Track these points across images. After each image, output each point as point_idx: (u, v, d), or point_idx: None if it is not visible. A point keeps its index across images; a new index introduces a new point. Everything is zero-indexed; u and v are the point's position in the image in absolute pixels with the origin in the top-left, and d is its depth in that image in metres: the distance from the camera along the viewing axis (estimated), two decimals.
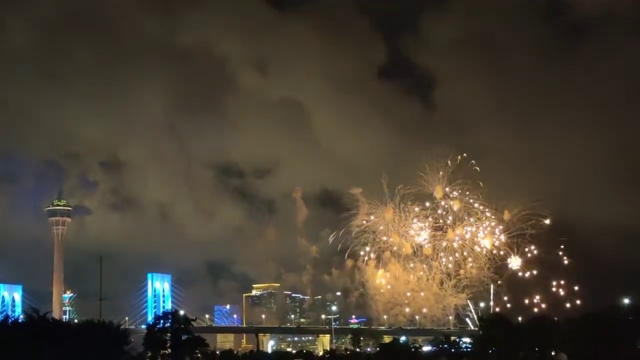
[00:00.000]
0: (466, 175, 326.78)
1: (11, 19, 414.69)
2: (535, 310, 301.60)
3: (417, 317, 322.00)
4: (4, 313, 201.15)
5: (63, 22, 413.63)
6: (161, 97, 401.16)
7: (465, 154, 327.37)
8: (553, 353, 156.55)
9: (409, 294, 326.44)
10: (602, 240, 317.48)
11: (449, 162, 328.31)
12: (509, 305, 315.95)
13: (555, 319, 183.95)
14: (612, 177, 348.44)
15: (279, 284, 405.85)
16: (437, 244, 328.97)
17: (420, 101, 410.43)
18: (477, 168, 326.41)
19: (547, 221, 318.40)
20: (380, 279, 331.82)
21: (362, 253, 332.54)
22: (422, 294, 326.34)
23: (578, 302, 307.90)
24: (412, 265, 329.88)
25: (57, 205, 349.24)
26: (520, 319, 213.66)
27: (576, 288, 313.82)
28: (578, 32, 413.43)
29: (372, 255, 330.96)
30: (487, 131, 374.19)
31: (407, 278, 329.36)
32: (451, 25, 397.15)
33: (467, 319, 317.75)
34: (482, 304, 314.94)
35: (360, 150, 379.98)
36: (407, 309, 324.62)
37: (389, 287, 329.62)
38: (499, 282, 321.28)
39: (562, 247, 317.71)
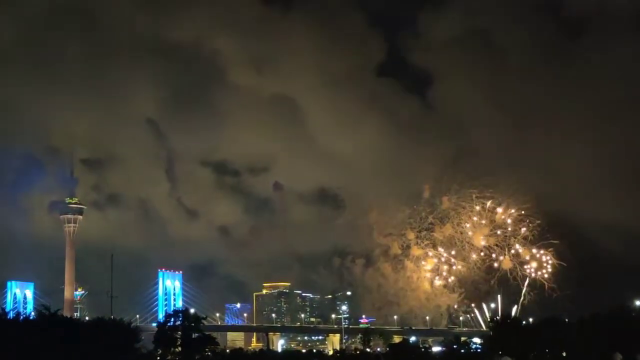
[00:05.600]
0: (461, 173, 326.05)
1: None
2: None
3: (427, 318, 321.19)
4: (16, 310, 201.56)
5: (51, 16, 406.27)
6: (154, 94, 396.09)
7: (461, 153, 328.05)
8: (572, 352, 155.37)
9: (405, 292, 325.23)
10: (602, 240, 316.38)
11: (443, 160, 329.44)
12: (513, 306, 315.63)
13: (566, 319, 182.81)
14: (613, 177, 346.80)
15: (289, 283, 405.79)
16: (426, 243, 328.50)
17: (418, 99, 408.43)
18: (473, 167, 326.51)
19: (539, 222, 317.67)
20: (369, 278, 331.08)
21: (350, 252, 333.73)
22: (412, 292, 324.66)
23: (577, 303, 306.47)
24: (400, 265, 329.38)
25: (69, 203, 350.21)
26: (531, 319, 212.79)
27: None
28: (577, 29, 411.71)
29: (361, 255, 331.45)
30: (485, 130, 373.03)
31: (396, 277, 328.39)
32: (450, 23, 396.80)
33: (460, 319, 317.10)
34: (492, 305, 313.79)
35: (356, 148, 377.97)
36: (398, 308, 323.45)
37: (378, 286, 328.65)
38: (492, 282, 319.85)
39: (556, 247, 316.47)
